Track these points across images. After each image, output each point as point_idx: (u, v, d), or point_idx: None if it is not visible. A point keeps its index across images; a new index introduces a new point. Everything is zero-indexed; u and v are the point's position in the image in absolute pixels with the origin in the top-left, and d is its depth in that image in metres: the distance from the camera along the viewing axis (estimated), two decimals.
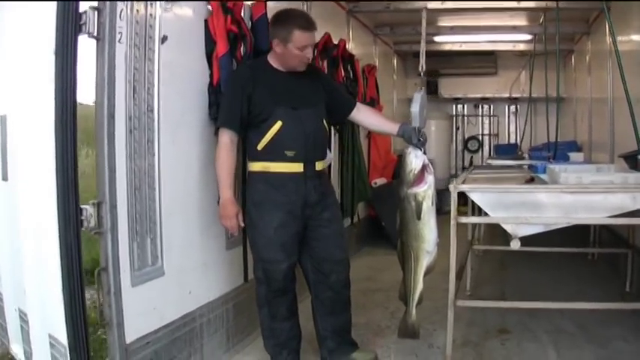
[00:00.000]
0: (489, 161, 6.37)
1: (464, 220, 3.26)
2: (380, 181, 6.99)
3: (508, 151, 7.87)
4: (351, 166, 5.86)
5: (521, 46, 8.20)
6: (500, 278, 5.23)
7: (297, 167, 3.00)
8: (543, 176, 3.70)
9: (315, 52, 4.81)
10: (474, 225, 5.21)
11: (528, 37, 7.45)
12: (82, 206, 2.41)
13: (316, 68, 3.54)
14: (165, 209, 2.85)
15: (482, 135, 10.43)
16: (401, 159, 2.98)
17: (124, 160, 2.57)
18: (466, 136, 10.52)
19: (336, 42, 5.26)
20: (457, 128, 10.48)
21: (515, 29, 7.05)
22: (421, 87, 3.15)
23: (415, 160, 2.88)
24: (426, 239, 2.90)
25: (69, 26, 2.34)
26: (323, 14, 5.03)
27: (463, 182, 3.39)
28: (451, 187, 3.15)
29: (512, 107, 10.15)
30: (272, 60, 3.09)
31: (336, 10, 5.92)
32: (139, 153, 2.66)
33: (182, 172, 3.05)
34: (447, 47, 8.45)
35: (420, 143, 2.95)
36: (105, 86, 2.44)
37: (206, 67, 3.23)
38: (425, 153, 2.94)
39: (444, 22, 7.22)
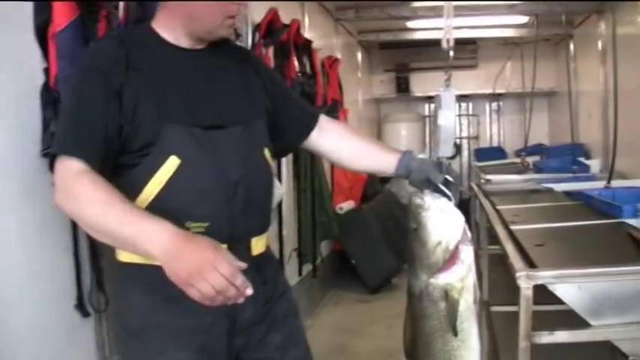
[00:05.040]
0: (489, 177, 4.80)
1: (546, 339, 1.67)
2: (346, 206, 5.33)
3: (491, 155, 7.19)
4: (310, 194, 4.28)
5: (510, 32, 6.88)
6: None
7: None
8: (632, 222, 2.23)
9: (257, 36, 3.30)
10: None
11: (520, 20, 6.24)
12: None
13: (250, 53, 1.99)
14: None
15: (461, 138, 9.01)
16: (410, 213, 1.45)
17: None
18: None
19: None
20: (430, 131, 9.09)
21: (511, 8, 5.57)
22: (448, 77, 1.64)
23: (444, 222, 1.37)
24: None
25: None
26: None
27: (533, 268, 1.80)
28: (521, 277, 1.63)
29: (495, 105, 8.81)
30: (161, 27, 1.46)
31: None
32: None
33: None
34: (421, 36, 7.03)
35: (451, 188, 1.45)
36: None
37: (36, 54, 1.69)
38: (457, 205, 1.43)
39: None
